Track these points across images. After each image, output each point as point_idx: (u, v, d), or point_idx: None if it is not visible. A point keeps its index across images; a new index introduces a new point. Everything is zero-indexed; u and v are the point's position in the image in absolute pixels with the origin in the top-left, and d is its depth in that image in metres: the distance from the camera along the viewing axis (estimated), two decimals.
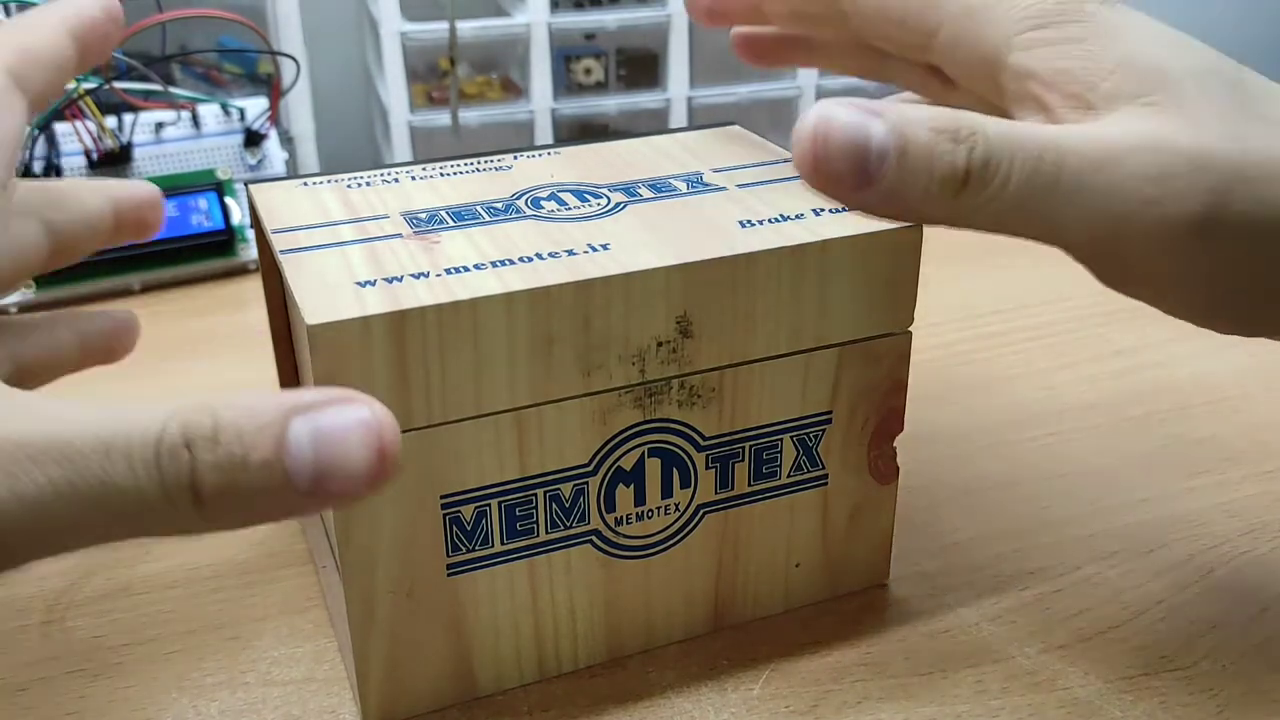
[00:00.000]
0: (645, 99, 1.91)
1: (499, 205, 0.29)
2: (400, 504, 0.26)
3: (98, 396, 0.30)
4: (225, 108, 0.55)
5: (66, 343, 0.31)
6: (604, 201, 0.30)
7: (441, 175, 0.31)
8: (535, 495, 0.27)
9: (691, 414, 0.28)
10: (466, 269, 0.26)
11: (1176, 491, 0.37)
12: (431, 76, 1.84)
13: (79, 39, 0.28)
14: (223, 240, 0.52)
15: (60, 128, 0.50)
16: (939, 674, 0.30)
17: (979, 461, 0.39)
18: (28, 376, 0.30)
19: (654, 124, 1.90)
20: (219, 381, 0.41)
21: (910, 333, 0.30)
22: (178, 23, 0.52)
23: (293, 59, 0.59)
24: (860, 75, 0.34)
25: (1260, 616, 0.32)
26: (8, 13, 0.48)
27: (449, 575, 0.27)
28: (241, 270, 0.53)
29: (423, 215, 0.29)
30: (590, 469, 0.28)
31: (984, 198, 0.24)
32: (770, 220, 0.28)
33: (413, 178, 0.31)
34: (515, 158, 0.33)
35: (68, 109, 0.49)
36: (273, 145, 0.56)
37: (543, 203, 0.29)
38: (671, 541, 0.30)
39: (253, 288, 0.51)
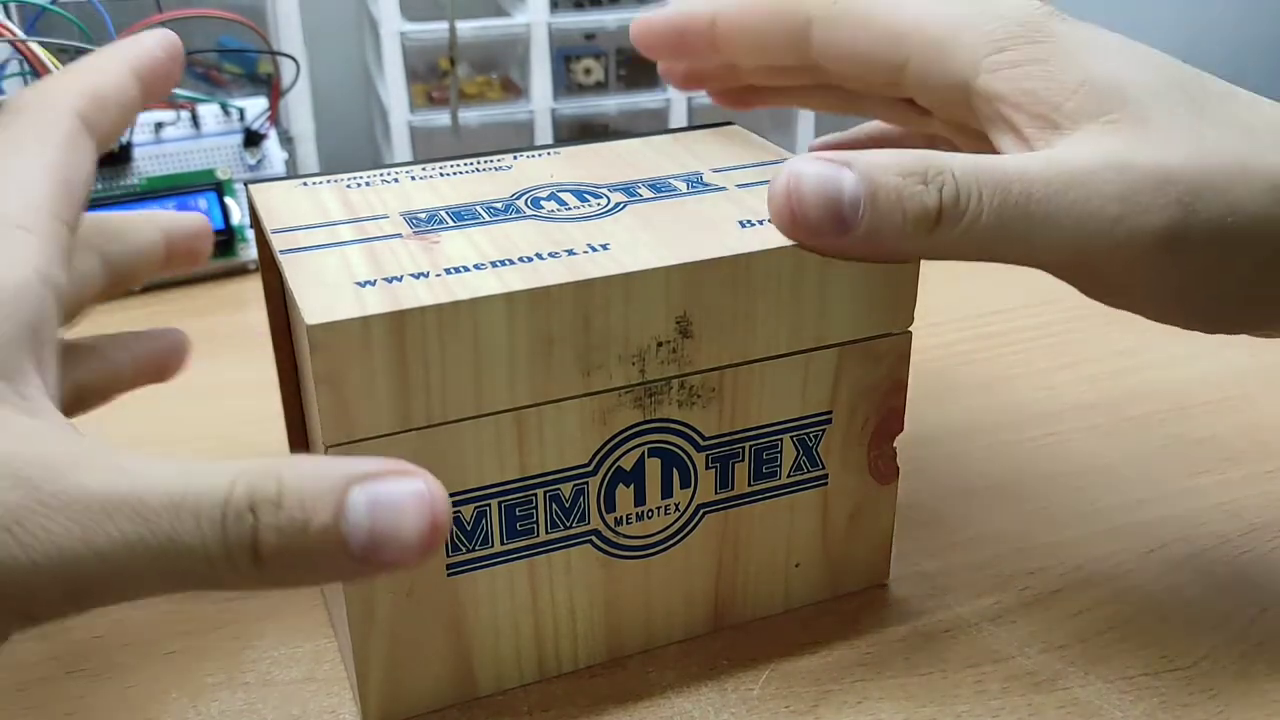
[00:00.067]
0: (645, 99, 1.91)
1: (499, 205, 0.29)
2: None
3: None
4: (225, 108, 0.55)
5: (121, 364, 0.32)
6: (604, 201, 0.30)
7: (441, 175, 0.31)
8: (535, 495, 0.27)
9: (691, 414, 0.28)
10: (466, 269, 0.26)
11: (1176, 491, 0.37)
12: (431, 76, 1.84)
13: (142, 79, 0.28)
14: (222, 240, 0.52)
15: None
16: (939, 674, 0.30)
17: (979, 461, 0.39)
18: (86, 398, 0.31)
19: (654, 124, 1.90)
20: (219, 381, 0.41)
21: (910, 333, 0.30)
22: (178, 23, 0.52)
23: (293, 59, 0.59)
24: (836, 112, 0.35)
25: (1260, 616, 0.32)
26: (7, 13, 0.48)
27: (449, 575, 0.27)
28: (241, 270, 0.53)
29: (422, 215, 0.29)
30: (590, 469, 0.28)
31: (958, 232, 0.25)
32: (770, 220, 0.28)
33: (412, 178, 0.31)
34: (515, 158, 0.33)
35: None
36: (272, 145, 0.56)
37: (543, 203, 0.29)
38: (671, 541, 0.30)
39: (253, 288, 0.51)
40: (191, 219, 0.32)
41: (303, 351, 0.27)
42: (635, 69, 1.91)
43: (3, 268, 0.23)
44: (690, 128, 0.35)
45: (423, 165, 0.32)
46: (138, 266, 0.31)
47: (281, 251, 0.27)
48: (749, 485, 0.30)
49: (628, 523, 0.29)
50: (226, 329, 0.48)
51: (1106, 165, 0.26)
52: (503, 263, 0.26)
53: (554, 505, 0.28)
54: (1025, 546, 0.35)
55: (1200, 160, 0.26)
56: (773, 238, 0.27)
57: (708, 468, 0.29)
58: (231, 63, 1.54)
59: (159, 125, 0.52)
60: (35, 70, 0.47)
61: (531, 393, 0.26)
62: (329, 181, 0.31)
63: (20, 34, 0.47)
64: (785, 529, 0.31)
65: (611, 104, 1.89)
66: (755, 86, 0.35)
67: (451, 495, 0.27)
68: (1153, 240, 0.26)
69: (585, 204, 0.29)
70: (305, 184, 0.31)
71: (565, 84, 1.89)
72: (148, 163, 0.53)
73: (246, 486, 0.20)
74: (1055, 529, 0.36)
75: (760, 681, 0.30)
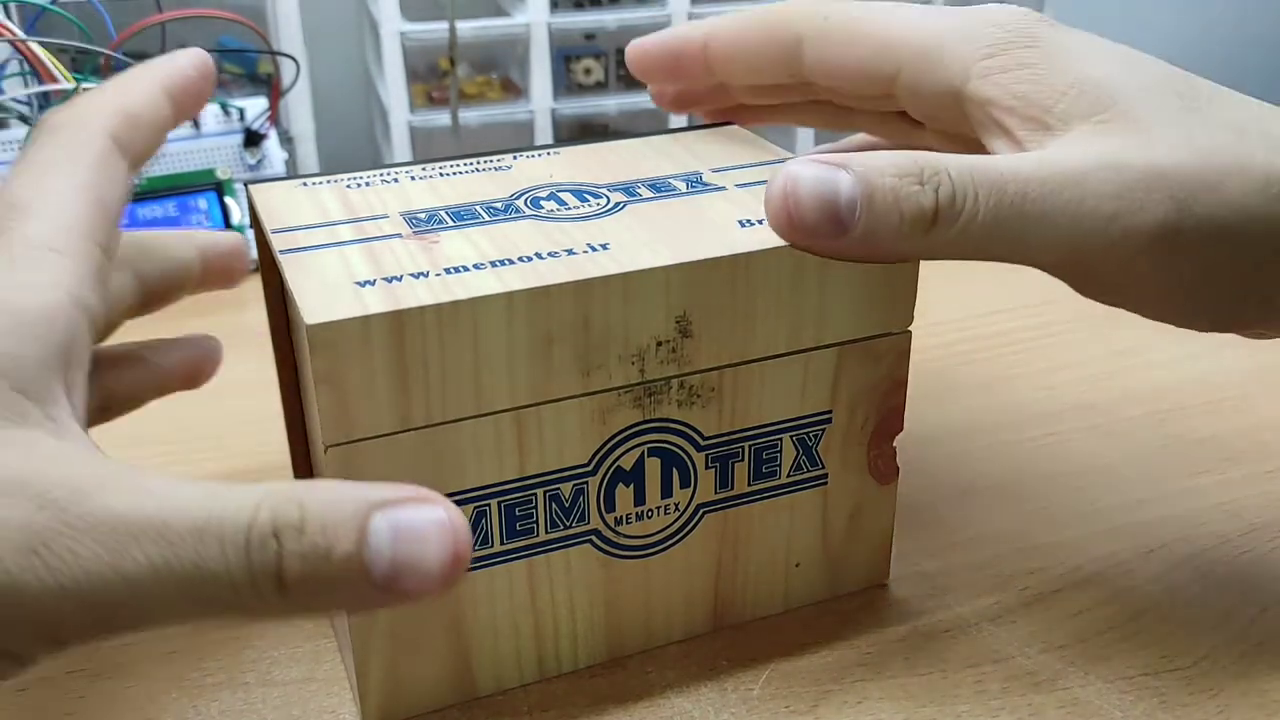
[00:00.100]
0: (645, 99, 1.90)
1: (498, 205, 0.29)
2: None
3: None
4: (225, 107, 0.55)
5: (152, 373, 0.32)
6: (603, 201, 0.30)
7: (441, 175, 0.31)
8: (535, 495, 0.27)
9: (691, 414, 0.28)
10: (466, 269, 0.26)
11: (1176, 491, 0.37)
12: (431, 76, 1.84)
13: (175, 97, 0.28)
14: None
15: None
16: (939, 674, 0.30)
17: (979, 461, 0.39)
18: (116, 405, 0.31)
19: (654, 124, 1.90)
20: (219, 381, 0.41)
21: (910, 332, 0.30)
22: (178, 23, 0.52)
23: (293, 59, 0.59)
24: (827, 128, 0.36)
25: (1260, 616, 0.32)
26: (7, 13, 0.48)
27: None
28: None
29: (422, 215, 0.29)
30: (590, 469, 0.28)
31: (954, 232, 0.26)
32: (767, 222, 0.28)
33: (412, 178, 0.31)
34: (515, 158, 0.33)
35: None
36: (272, 145, 0.56)
37: (542, 202, 0.29)
38: (671, 541, 0.30)
39: (252, 288, 0.51)
40: (228, 238, 0.33)
41: (303, 351, 0.27)
42: None
43: (35, 290, 0.23)
44: (690, 128, 0.35)
45: (423, 165, 0.32)
46: (172, 285, 0.31)
47: (281, 251, 0.27)
48: (749, 485, 0.30)
49: (627, 522, 0.29)
50: (226, 329, 0.48)
51: (1100, 164, 0.26)
52: (502, 262, 0.26)
53: (554, 505, 0.28)
54: (1025, 546, 0.35)
55: (1192, 158, 0.26)
56: (772, 237, 0.27)
57: (707, 467, 0.29)
58: (231, 63, 1.54)
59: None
60: (35, 70, 0.47)
61: (531, 392, 0.26)
62: (329, 181, 0.31)
63: (20, 34, 0.47)
64: (785, 529, 0.31)
65: (611, 104, 1.89)
66: (746, 105, 0.35)
67: (451, 495, 0.27)
68: (1147, 238, 0.26)
69: (585, 204, 0.29)
70: (305, 184, 0.31)
71: (565, 84, 1.89)
72: (148, 162, 0.53)
73: (270, 512, 0.20)
74: (1055, 529, 0.36)
75: (760, 681, 0.30)
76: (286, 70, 1.19)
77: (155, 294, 0.31)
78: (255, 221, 0.30)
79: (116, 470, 0.21)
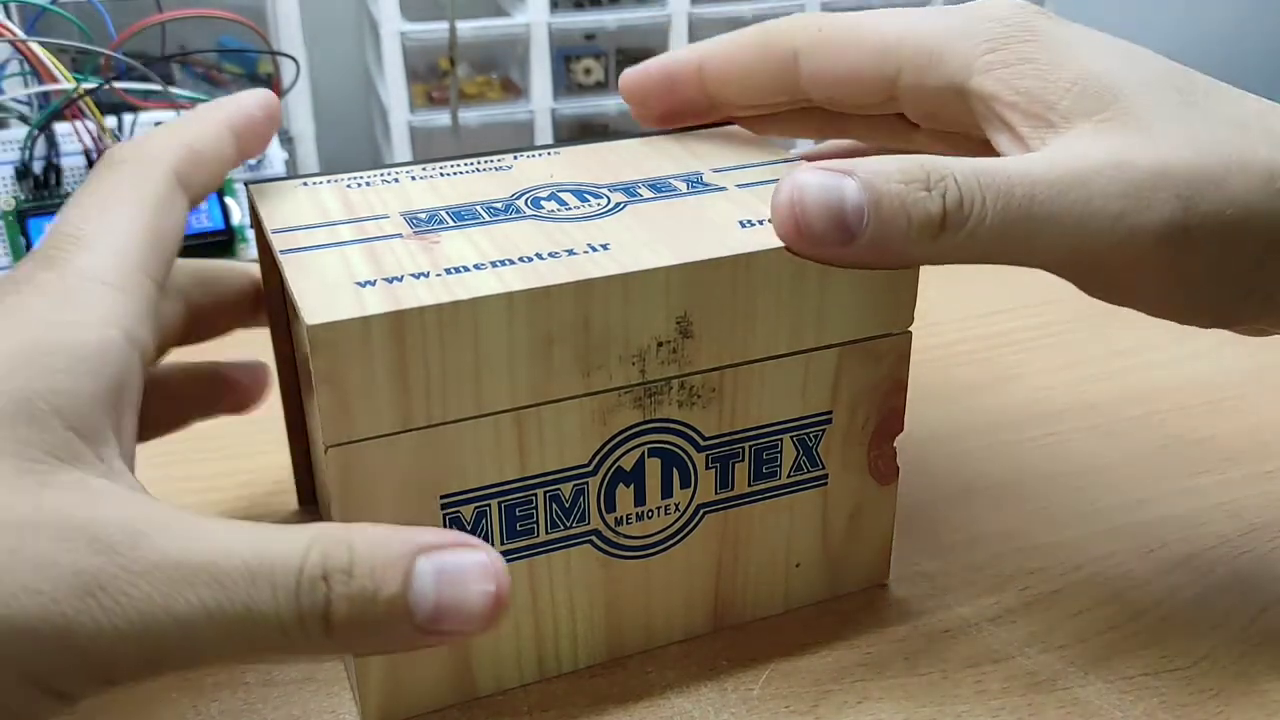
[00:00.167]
0: None
1: (499, 205, 0.29)
2: (400, 504, 0.26)
3: None
4: None
5: (199, 397, 0.33)
6: (604, 201, 0.30)
7: (441, 175, 0.31)
8: (535, 495, 0.27)
9: (691, 414, 0.28)
10: (466, 269, 0.26)
11: (1176, 491, 0.37)
12: (431, 76, 1.84)
13: (239, 136, 0.28)
14: (223, 240, 0.52)
15: (60, 128, 0.50)
16: (939, 674, 0.30)
17: (979, 461, 0.39)
18: (158, 427, 0.32)
19: None
20: None
21: (910, 333, 0.30)
22: (178, 23, 0.52)
23: (293, 59, 0.59)
24: (819, 137, 0.36)
25: (1260, 616, 0.32)
26: (7, 13, 0.48)
27: None
28: None
29: (423, 215, 0.29)
30: (590, 469, 0.28)
31: (962, 236, 0.25)
32: (770, 220, 0.28)
33: (413, 178, 0.31)
34: (515, 158, 0.33)
35: (68, 109, 0.49)
36: (273, 145, 0.56)
37: (543, 203, 0.29)
38: (671, 541, 0.30)
39: None
40: None
41: (303, 351, 0.27)
42: None
43: (90, 326, 0.23)
44: (690, 128, 0.35)
45: (423, 165, 0.32)
46: (222, 316, 0.32)
47: (281, 251, 0.27)
48: (749, 485, 0.30)
49: (628, 523, 0.29)
50: None
51: (1105, 164, 0.26)
52: (503, 263, 0.26)
53: (554, 505, 0.28)
54: (1025, 546, 0.35)
55: (1196, 155, 0.26)
56: (773, 238, 0.27)
57: (708, 468, 0.29)
58: (232, 63, 1.54)
59: (159, 125, 0.52)
60: (35, 70, 0.47)
61: (531, 393, 0.26)
62: (329, 181, 0.31)
63: (20, 34, 0.47)
64: (785, 529, 0.31)
65: (611, 104, 1.89)
66: (736, 117, 0.35)
67: (451, 495, 0.27)
68: (1154, 236, 0.26)
69: (585, 204, 0.29)
70: (305, 184, 0.31)
71: (565, 84, 1.89)
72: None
73: (320, 555, 0.21)
74: (1055, 529, 0.36)
75: (760, 681, 0.30)
76: (286, 70, 1.19)
77: (206, 323, 0.31)
78: (255, 221, 0.30)
79: (167, 512, 0.21)
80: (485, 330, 0.25)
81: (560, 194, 0.30)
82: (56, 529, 0.20)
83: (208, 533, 0.21)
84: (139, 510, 0.21)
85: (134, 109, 0.51)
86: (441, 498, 0.26)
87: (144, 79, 0.51)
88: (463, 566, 0.22)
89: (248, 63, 1.57)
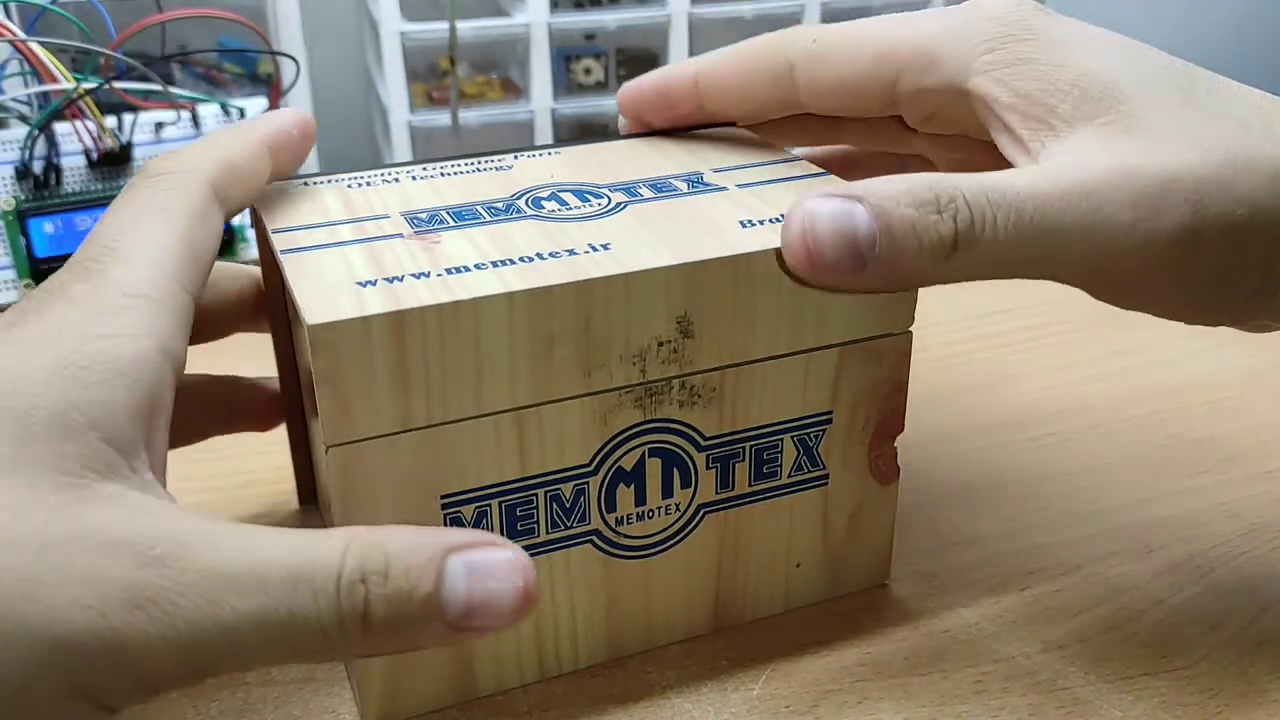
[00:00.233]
0: None
1: (499, 205, 0.29)
2: (400, 504, 0.26)
3: None
4: (225, 108, 0.55)
5: (219, 410, 0.33)
6: (604, 201, 0.30)
7: (442, 175, 0.31)
8: (536, 495, 0.27)
9: (692, 414, 0.28)
10: (467, 269, 0.26)
11: (1176, 491, 0.37)
12: (431, 76, 1.84)
13: (275, 155, 0.29)
14: (223, 240, 0.52)
15: (60, 128, 0.50)
16: (939, 674, 0.30)
17: (979, 461, 0.39)
18: (178, 438, 0.31)
19: None
20: None
21: (910, 333, 0.30)
22: (178, 23, 0.52)
23: (293, 59, 0.59)
24: (813, 144, 0.36)
25: (1260, 616, 0.32)
26: (7, 13, 0.48)
27: None
28: None
29: (423, 215, 0.29)
30: (591, 469, 0.28)
31: (975, 256, 0.25)
32: (770, 220, 0.28)
33: (413, 178, 0.31)
34: (515, 158, 0.33)
35: (68, 109, 0.49)
36: None
37: (543, 202, 0.29)
38: (672, 542, 0.30)
39: None
40: None
41: (303, 351, 0.27)
42: (635, 69, 1.91)
43: (126, 339, 0.23)
44: (691, 128, 0.35)
45: (423, 165, 0.32)
46: (223, 318, 0.32)
47: (282, 251, 0.27)
48: (749, 485, 0.30)
49: (628, 523, 0.29)
50: None
51: (1112, 173, 0.26)
52: (503, 263, 0.26)
53: (554, 505, 0.28)
54: (1025, 546, 0.35)
55: (1201, 158, 0.26)
56: (773, 238, 0.27)
57: (708, 468, 0.29)
58: (232, 63, 1.54)
59: (159, 125, 0.52)
60: (35, 70, 0.47)
61: (532, 393, 0.26)
62: (329, 181, 0.31)
63: (20, 34, 0.47)
64: (786, 529, 0.31)
65: (611, 104, 1.89)
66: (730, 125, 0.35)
67: (451, 495, 0.27)
68: (1166, 242, 0.26)
69: (586, 204, 0.29)
70: (306, 184, 0.31)
71: (565, 84, 1.89)
72: (143, 164, 0.53)
73: (356, 558, 0.21)
74: (1055, 529, 0.36)
75: (760, 681, 0.30)
76: (286, 70, 1.19)
77: (207, 325, 0.31)
78: (256, 221, 0.30)
79: (204, 522, 0.22)
80: (486, 330, 0.25)
81: (561, 194, 0.30)
82: (101, 543, 0.21)
83: (247, 541, 0.21)
84: (178, 522, 0.22)
85: (134, 109, 0.51)
86: (442, 498, 0.26)
87: (144, 79, 0.51)
88: (492, 563, 0.22)
89: (248, 63, 1.57)
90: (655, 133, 0.35)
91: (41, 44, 0.47)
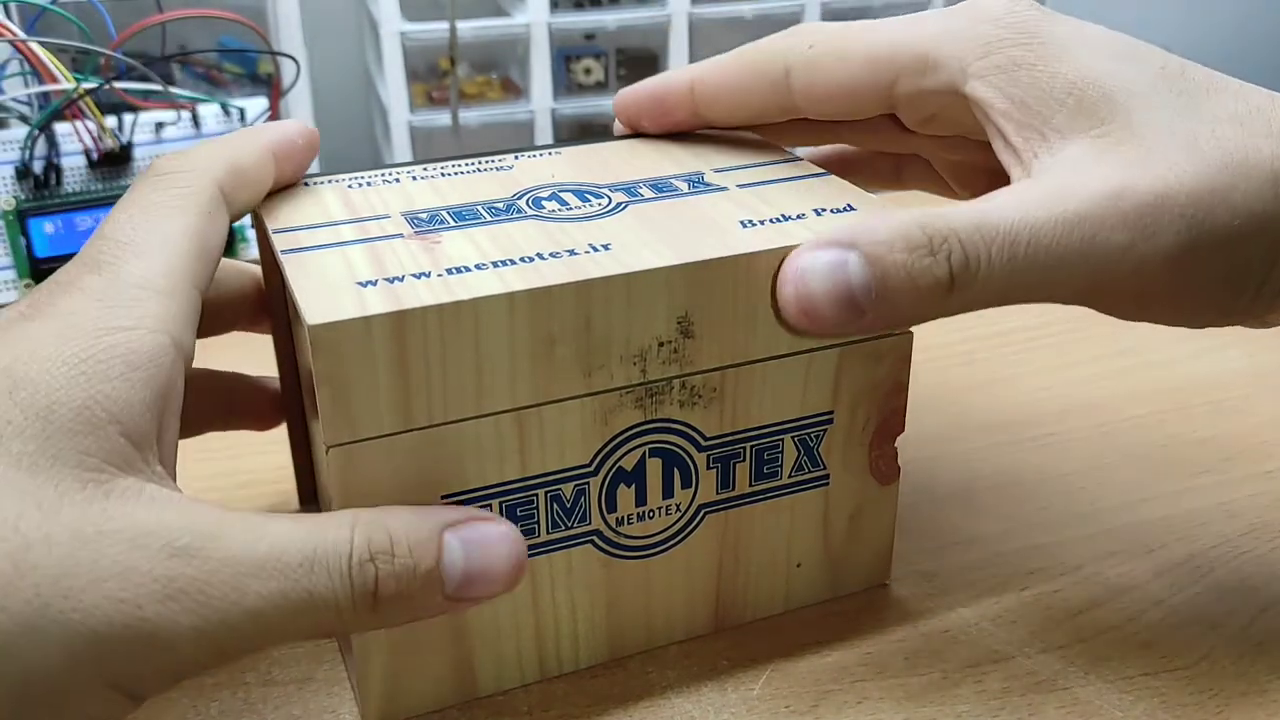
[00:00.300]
0: None
1: (500, 205, 0.29)
2: (401, 504, 0.26)
3: None
4: (225, 108, 0.55)
5: (219, 405, 0.33)
6: (605, 201, 0.30)
7: (442, 175, 0.31)
8: (536, 495, 0.27)
9: (692, 414, 0.28)
10: (468, 269, 0.26)
11: (1176, 491, 0.37)
12: (431, 76, 1.83)
13: (279, 163, 0.29)
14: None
15: (60, 128, 0.50)
16: (939, 674, 0.30)
17: (979, 461, 0.39)
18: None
19: None
20: None
21: (911, 333, 0.30)
22: (178, 23, 0.52)
23: (293, 59, 0.59)
24: (813, 145, 0.36)
25: (1260, 616, 0.32)
26: (7, 13, 0.48)
27: None
28: None
29: (424, 215, 0.29)
30: (591, 469, 0.28)
31: (971, 293, 0.26)
32: (771, 220, 0.28)
33: (413, 178, 0.31)
34: (516, 158, 0.33)
35: (68, 109, 0.49)
36: None
37: (544, 202, 0.29)
38: (673, 542, 0.30)
39: None
40: None
41: (304, 351, 0.27)
42: (635, 69, 1.91)
43: (143, 333, 0.23)
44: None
45: (424, 165, 0.32)
46: (224, 313, 0.32)
47: (283, 251, 0.27)
48: (750, 485, 0.30)
49: (629, 523, 0.29)
50: None
51: (1106, 194, 0.26)
52: (504, 263, 0.26)
53: (555, 505, 0.28)
54: (1025, 546, 0.35)
55: (1197, 168, 0.26)
56: (774, 238, 0.27)
57: (709, 468, 0.29)
58: (232, 63, 1.54)
59: (159, 125, 0.52)
60: (35, 70, 0.47)
61: (532, 393, 0.26)
62: (330, 181, 0.31)
63: (20, 34, 0.47)
64: (786, 529, 0.31)
65: (611, 104, 1.89)
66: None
67: (452, 495, 0.27)
68: (1163, 259, 0.26)
69: (586, 204, 0.29)
70: (306, 184, 0.31)
71: (565, 84, 1.89)
72: (148, 163, 0.53)
73: (363, 538, 0.23)
74: (1055, 529, 0.36)
75: (761, 681, 0.30)
76: (286, 70, 1.19)
77: (208, 320, 0.31)
78: (257, 221, 0.30)
79: (219, 512, 0.22)
80: (486, 330, 0.25)
81: (561, 194, 0.30)
82: (130, 537, 0.21)
83: (263, 527, 0.22)
84: (196, 512, 0.22)
85: (134, 109, 0.51)
86: (442, 498, 0.26)
87: (144, 79, 0.51)
88: (485, 537, 0.24)
89: (248, 63, 1.57)
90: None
91: (41, 44, 0.47)
